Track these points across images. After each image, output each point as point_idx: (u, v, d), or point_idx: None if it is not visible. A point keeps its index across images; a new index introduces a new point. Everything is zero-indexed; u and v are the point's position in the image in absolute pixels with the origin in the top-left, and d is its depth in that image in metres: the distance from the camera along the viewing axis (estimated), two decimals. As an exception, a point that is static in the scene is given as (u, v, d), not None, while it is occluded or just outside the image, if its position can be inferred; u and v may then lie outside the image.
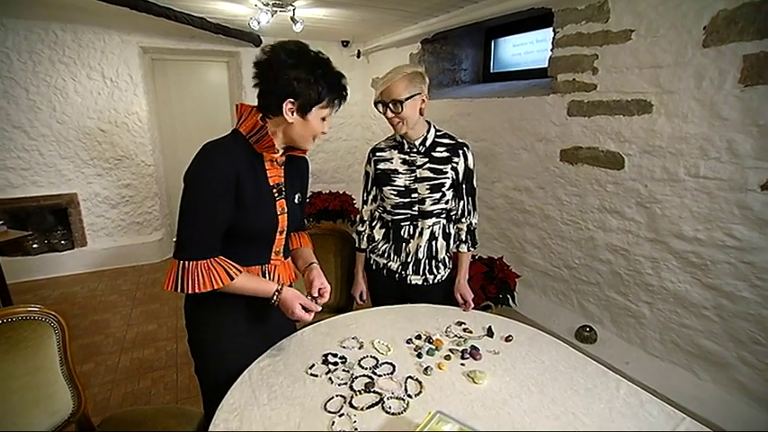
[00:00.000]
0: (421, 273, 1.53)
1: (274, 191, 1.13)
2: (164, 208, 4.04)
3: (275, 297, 1.10)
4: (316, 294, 1.18)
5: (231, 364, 1.12)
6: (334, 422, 0.93)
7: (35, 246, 3.52)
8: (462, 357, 1.16)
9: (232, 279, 1.04)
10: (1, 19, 3.06)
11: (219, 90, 4.22)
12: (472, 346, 1.20)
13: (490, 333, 1.28)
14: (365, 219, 1.60)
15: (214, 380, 1.13)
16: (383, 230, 1.55)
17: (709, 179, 1.76)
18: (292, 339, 1.27)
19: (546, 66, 2.46)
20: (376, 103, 1.41)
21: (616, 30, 2.01)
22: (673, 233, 1.91)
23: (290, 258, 1.29)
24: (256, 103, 1.08)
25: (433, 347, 1.20)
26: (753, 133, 1.59)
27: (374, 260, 1.58)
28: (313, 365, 1.13)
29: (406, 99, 1.34)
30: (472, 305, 1.54)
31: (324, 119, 1.09)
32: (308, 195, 1.30)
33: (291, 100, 1.02)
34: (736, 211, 1.68)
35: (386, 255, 1.55)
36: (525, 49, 3.14)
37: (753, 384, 1.71)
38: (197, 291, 1.01)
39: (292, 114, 1.04)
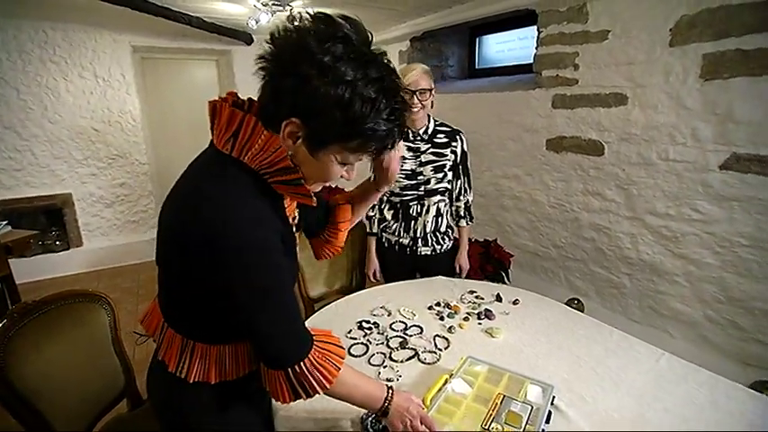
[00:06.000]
0: (430, 244, 1.73)
1: (293, 228, 0.86)
2: (159, 206, 4.06)
3: (386, 403, 0.81)
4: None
5: None
6: (379, 372, 1.09)
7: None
8: (479, 318, 1.35)
9: (342, 357, 0.78)
10: (-11, 18, 3.03)
11: (209, 88, 4.26)
12: (486, 309, 1.38)
13: (499, 298, 1.47)
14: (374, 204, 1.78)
15: None
16: (392, 211, 1.75)
17: (677, 162, 2.00)
18: (327, 310, 1.43)
19: (528, 62, 2.66)
20: None
21: (594, 30, 2.23)
22: (648, 210, 2.16)
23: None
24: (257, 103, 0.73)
25: (453, 312, 1.38)
26: (712, 121, 1.84)
27: (386, 238, 1.77)
28: (350, 330, 1.28)
29: (432, 89, 1.56)
30: (464, 274, 1.82)
31: (345, 164, 0.72)
32: None
33: (297, 121, 0.64)
34: (700, 189, 1.93)
35: (396, 232, 1.74)
36: (508, 47, 3.35)
37: (715, 338, 1.98)
38: (329, 385, 0.74)
39: (294, 141, 0.67)
